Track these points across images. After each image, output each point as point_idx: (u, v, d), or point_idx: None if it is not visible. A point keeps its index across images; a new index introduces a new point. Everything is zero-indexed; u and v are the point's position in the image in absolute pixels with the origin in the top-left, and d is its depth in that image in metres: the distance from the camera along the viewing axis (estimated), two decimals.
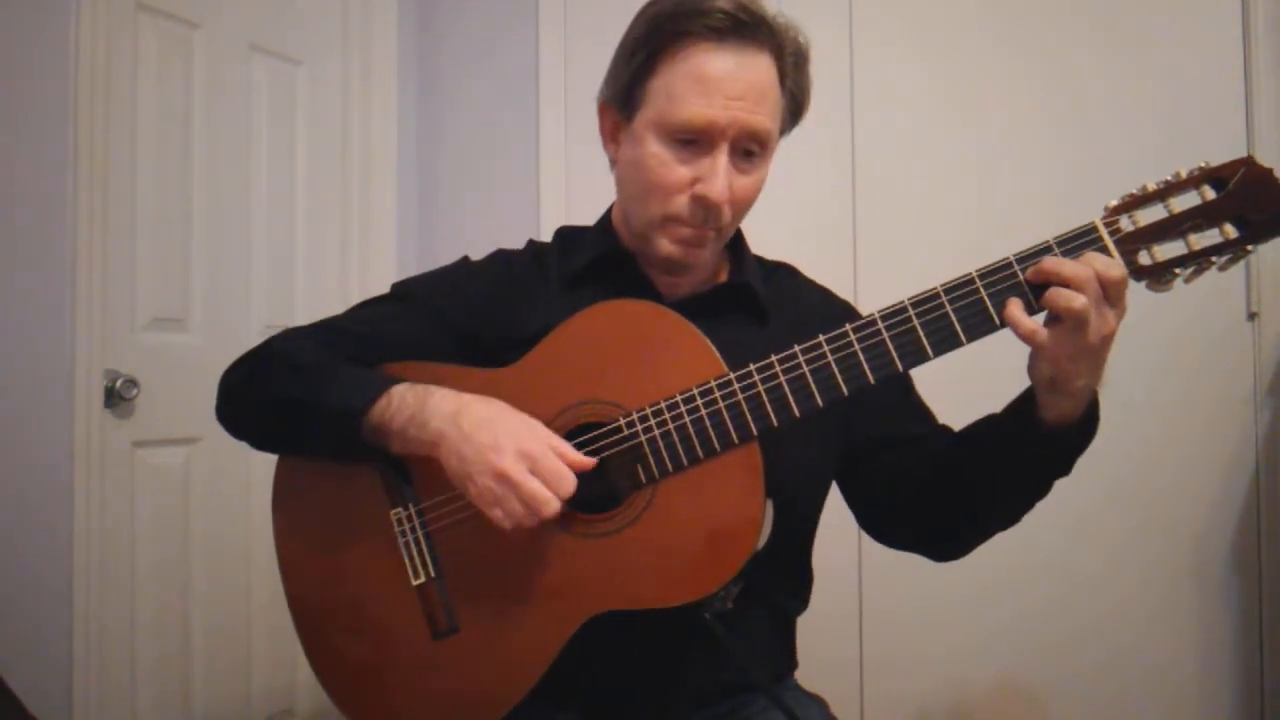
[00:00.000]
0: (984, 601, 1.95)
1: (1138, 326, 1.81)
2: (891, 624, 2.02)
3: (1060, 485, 2.09)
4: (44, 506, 1.70)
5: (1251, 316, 1.82)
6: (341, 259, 2.36)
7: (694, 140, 0.97)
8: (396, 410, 0.97)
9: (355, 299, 2.19)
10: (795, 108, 1.02)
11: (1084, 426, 0.92)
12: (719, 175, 0.96)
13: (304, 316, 2.19)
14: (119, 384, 1.80)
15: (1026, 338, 0.85)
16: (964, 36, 2.01)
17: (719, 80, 0.94)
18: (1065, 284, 0.83)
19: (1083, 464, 1.94)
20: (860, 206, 2.08)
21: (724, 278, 1.10)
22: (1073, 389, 0.87)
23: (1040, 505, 2.04)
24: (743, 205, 1.01)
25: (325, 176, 2.33)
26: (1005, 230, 1.93)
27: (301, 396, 1.01)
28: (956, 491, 0.99)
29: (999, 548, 1.91)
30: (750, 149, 0.98)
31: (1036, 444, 0.92)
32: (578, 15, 2.32)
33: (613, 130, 1.05)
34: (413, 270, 2.38)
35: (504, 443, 0.90)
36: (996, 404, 1.89)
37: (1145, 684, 1.86)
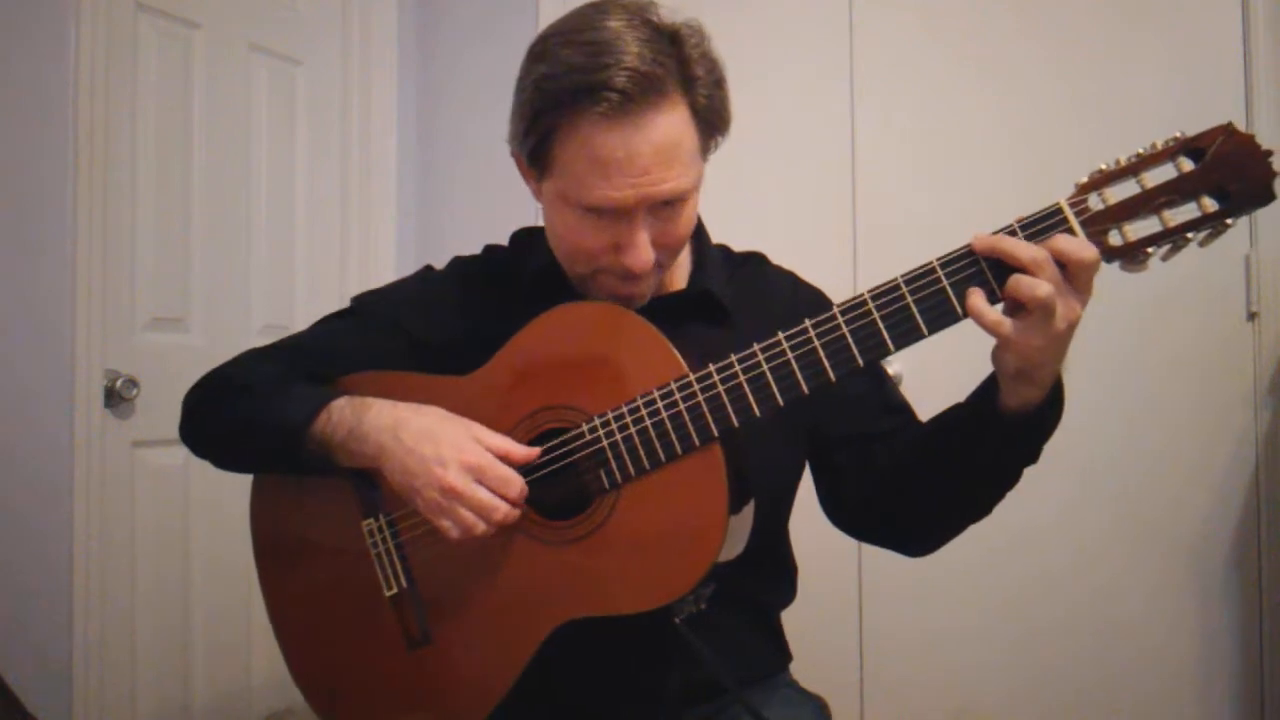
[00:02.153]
0: (983, 596, 1.95)
1: (1138, 326, 1.83)
2: (892, 616, 2.02)
3: (1060, 484, 2.10)
4: (44, 506, 1.70)
5: (1251, 316, 1.82)
6: (341, 259, 2.36)
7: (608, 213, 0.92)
8: (336, 424, 0.97)
9: None
10: (714, 125, 0.95)
11: (1048, 410, 0.89)
12: (638, 248, 0.92)
13: (304, 316, 2.19)
14: (119, 384, 1.80)
15: (991, 329, 0.80)
16: (963, 34, 2.01)
17: (619, 163, 0.88)
18: (1021, 268, 0.79)
19: (1082, 463, 1.95)
20: (860, 205, 2.08)
21: (684, 284, 1.07)
22: (1038, 377, 0.84)
23: (1039, 502, 2.04)
24: (675, 247, 0.98)
25: (325, 176, 2.33)
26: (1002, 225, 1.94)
27: (247, 416, 1.03)
28: (924, 485, 0.97)
29: (997, 544, 1.93)
30: (668, 203, 0.93)
31: (1001, 432, 0.88)
32: None
33: (529, 176, 1.01)
34: (413, 269, 2.38)
35: (447, 454, 0.90)
36: None
37: (1145, 683, 1.86)
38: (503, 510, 0.89)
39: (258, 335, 2.08)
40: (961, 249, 0.83)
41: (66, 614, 1.71)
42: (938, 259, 0.83)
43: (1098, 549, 1.89)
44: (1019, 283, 0.79)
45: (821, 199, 2.10)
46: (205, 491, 2.00)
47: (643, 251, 0.93)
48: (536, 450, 0.93)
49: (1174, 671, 1.85)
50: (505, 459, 0.91)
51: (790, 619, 1.15)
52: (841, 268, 2.07)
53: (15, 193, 1.68)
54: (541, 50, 0.93)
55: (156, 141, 1.93)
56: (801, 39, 2.13)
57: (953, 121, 2.01)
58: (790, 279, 1.15)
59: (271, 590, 1.09)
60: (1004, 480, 0.95)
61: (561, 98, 0.89)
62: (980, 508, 0.97)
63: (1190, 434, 1.85)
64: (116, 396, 1.81)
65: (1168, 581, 1.86)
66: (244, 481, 2.04)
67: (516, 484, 0.90)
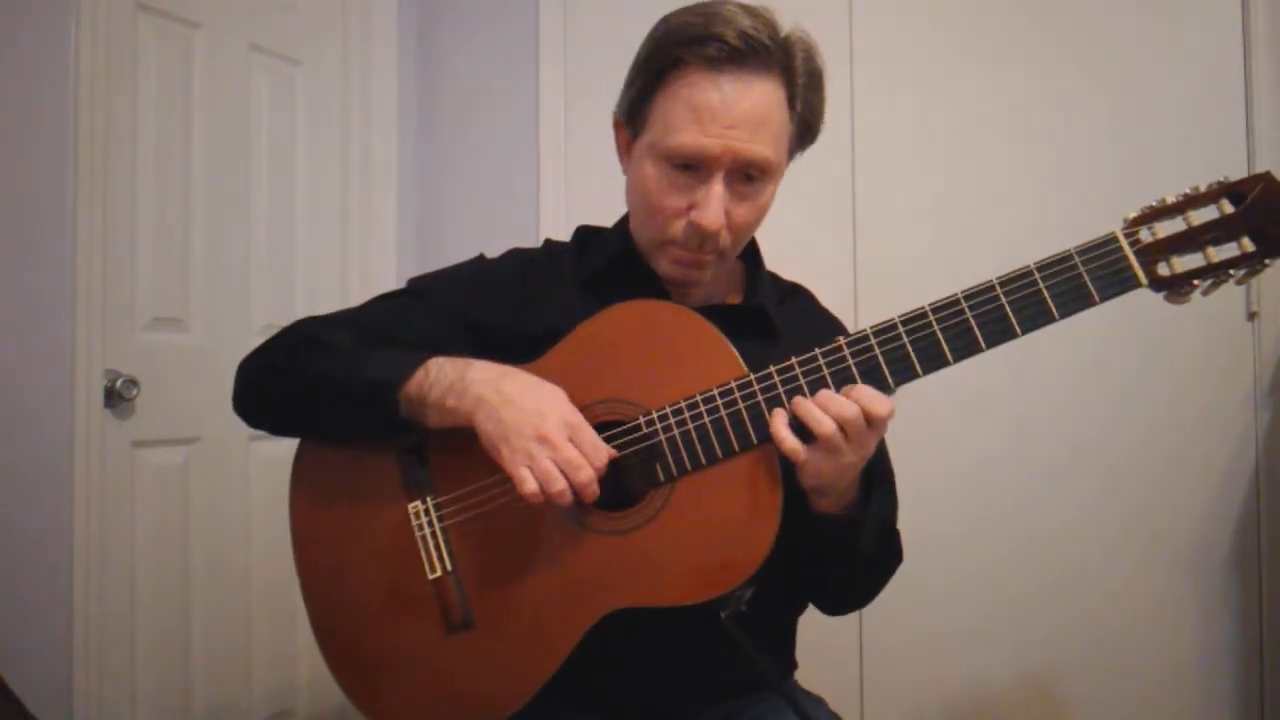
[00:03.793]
0: (984, 595, 1.95)
1: (1138, 326, 1.83)
2: (892, 617, 2.02)
3: (1058, 486, 2.09)
4: (44, 506, 1.70)
5: (1251, 316, 1.82)
6: (341, 259, 2.36)
7: (691, 167, 0.98)
8: (435, 380, 0.97)
9: (355, 299, 2.19)
10: (805, 129, 1.03)
11: (854, 522, 0.97)
12: (712, 204, 0.97)
13: (304, 316, 2.19)
14: (119, 384, 1.80)
15: (789, 455, 0.89)
16: (962, 38, 2.01)
17: (713, 109, 0.94)
18: (816, 419, 0.88)
19: (1081, 465, 1.95)
20: (860, 205, 2.08)
21: (738, 299, 1.10)
22: (834, 493, 0.93)
23: (1037, 504, 2.03)
24: (743, 231, 1.02)
25: (325, 176, 2.33)
26: (1004, 229, 1.95)
27: (336, 374, 1.02)
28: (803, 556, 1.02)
29: (998, 545, 1.92)
30: (750, 174, 0.98)
31: (818, 525, 0.96)
32: (577, 19, 2.32)
33: (625, 146, 1.07)
34: (413, 270, 2.38)
35: (548, 410, 0.92)
36: (989, 404, 1.87)
37: (1145, 684, 1.86)
38: (587, 472, 0.90)
39: (258, 335, 2.08)
40: (1020, 270, 0.89)
41: (66, 614, 1.71)
42: (997, 279, 0.89)
43: (1096, 550, 1.89)
44: (809, 418, 0.89)
45: (822, 198, 2.09)
46: (205, 491, 2.00)
47: (716, 209, 0.97)
48: (613, 451, 0.94)
49: (1174, 673, 1.85)
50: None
51: None
52: (841, 266, 2.07)
53: (15, 193, 1.68)
54: (663, 20, 1.00)
55: (156, 141, 1.93)
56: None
57: (953, 118, 2.01)
58: (836, 321, 1.18)
59: (308, 568, 1.08)
60: (840, 568, 1.01)
61: (676, 42, 0.96)
62: (831, 588, 1.07)
63: (1190, 434, 1.85)
64: (116, 396, 1.81)
65: (1167, 582, 1.86)
66: (244, 481, 2.05)
67: (604, 453, 0.92)
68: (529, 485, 0.90)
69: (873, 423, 0.88)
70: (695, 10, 0.98)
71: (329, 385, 1.02)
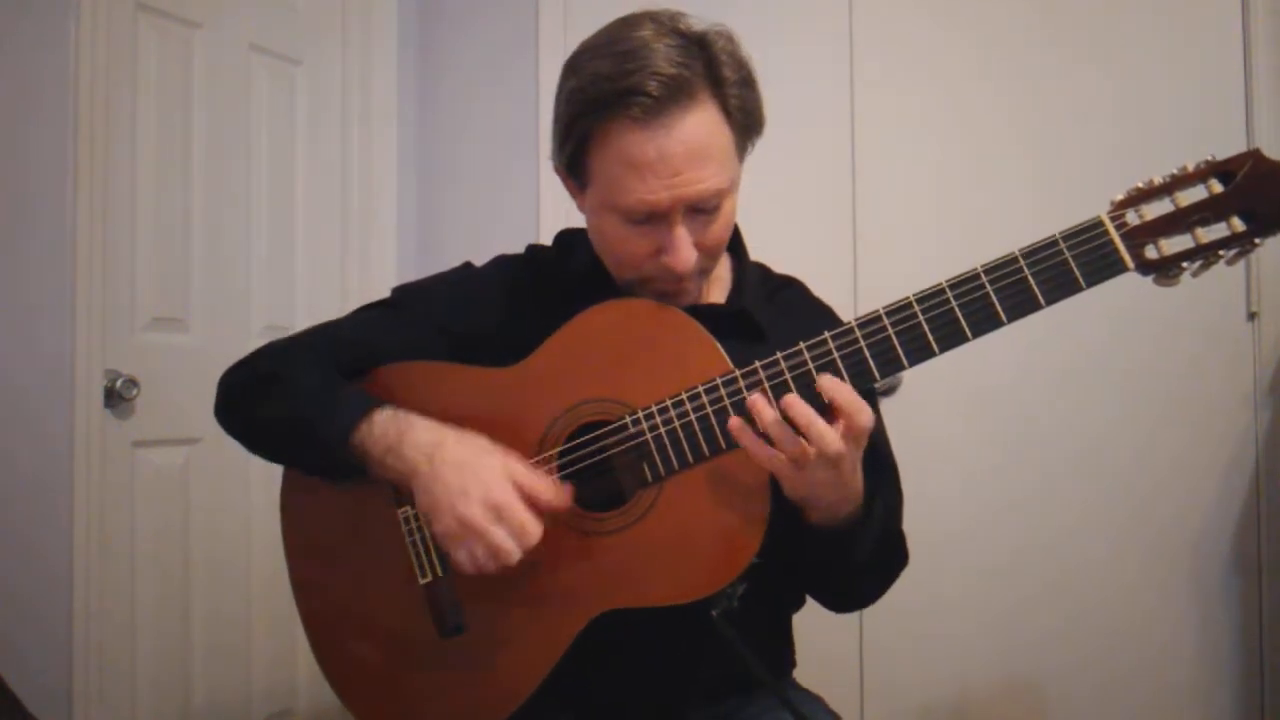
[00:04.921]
0: (984, 595, 1.95)
1: (1138, 326, 1.83)
2: (892, 617, 2.02)
3: (1059, 485, 2.09)
4: (44, 506, 1.70)
5: (1251, 316, 1.82)
6: (341, 259, 2.36)
7: (648, 218, 0.95)
8: (378, 438, 0.98)
9: (355, 299, 2.19)
10: (748, 127, 0.98)
11: (860, 512, 0.93)
12: (680, 247, 0.95)
13: (304, 316, 2.19)
14: (119, 384, 1.80)
15: (764, 464, 0.87)
16: (963, 36, 2.01)
17: (652, 165, 0.91)
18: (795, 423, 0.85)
19: (1081, 465, 1.94)
20: (860, 204, 2.08)
21: (723, 296, 1.09)
22: (822, 506, 0.90)
23: (1037, 505, 2.02)
24: (717, 247, 1.00)
25: (325, 176, 2.33)
26: (1004, 227, 1.94)
27: (290, 416, 1.03)
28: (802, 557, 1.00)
29: (998, 545, 1.92)
30: (705, 207, 0.96)
31: (810, 535, 0.94)
32: (577, 19, 2.32)
33: (573, 189, 1.04)
34: (413, 270, 2.39)
35: (472, 489, 0.91)
36: (990, 405, 1.88)
37: (1145, 685, 1.86)
38: (515, 557, 0.90)
39: (258, 335, 2.08)
40: (1006, 257, 0.87)
41: (66, 615, 1.71)
42: (981, 266, 0.87)
43: (1096, 550, 1.89)
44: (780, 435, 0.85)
45: (821, 199, 2.09)
46: (205, 491, 2.00)
47: (685, 252, 0.95)
48: (567, 499, 0.94)
49: (1174, 673, 1.84)
50: (532, 500, 0.92)
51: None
52: (841, 266, 2.07)
53: (15, 193, 1.68)
54: (573, 65, 0.96)
55: (156, 141, 1.93)
56: (801, 34, 2.12)
57: (953, 114, 2.01)
58: (828, 311, 1.16)
59: (301, 577, 1.09)
60: (837, 574, 1.00)
61: (593, 107, 0.92)
62: (830, 590, 1.05)
63: (1190, 434, 1.85)
64: (116, 396, 1.81)
65: (1167, 582, 1.86)
66: (244, 481, 2.04)
67: (534, 534, 0.91)
68: (464, 568, 0.92)
69: (854, 438, 0.85)
70: (604, 51, 0.93)
71: (285, 428, 1.04)
